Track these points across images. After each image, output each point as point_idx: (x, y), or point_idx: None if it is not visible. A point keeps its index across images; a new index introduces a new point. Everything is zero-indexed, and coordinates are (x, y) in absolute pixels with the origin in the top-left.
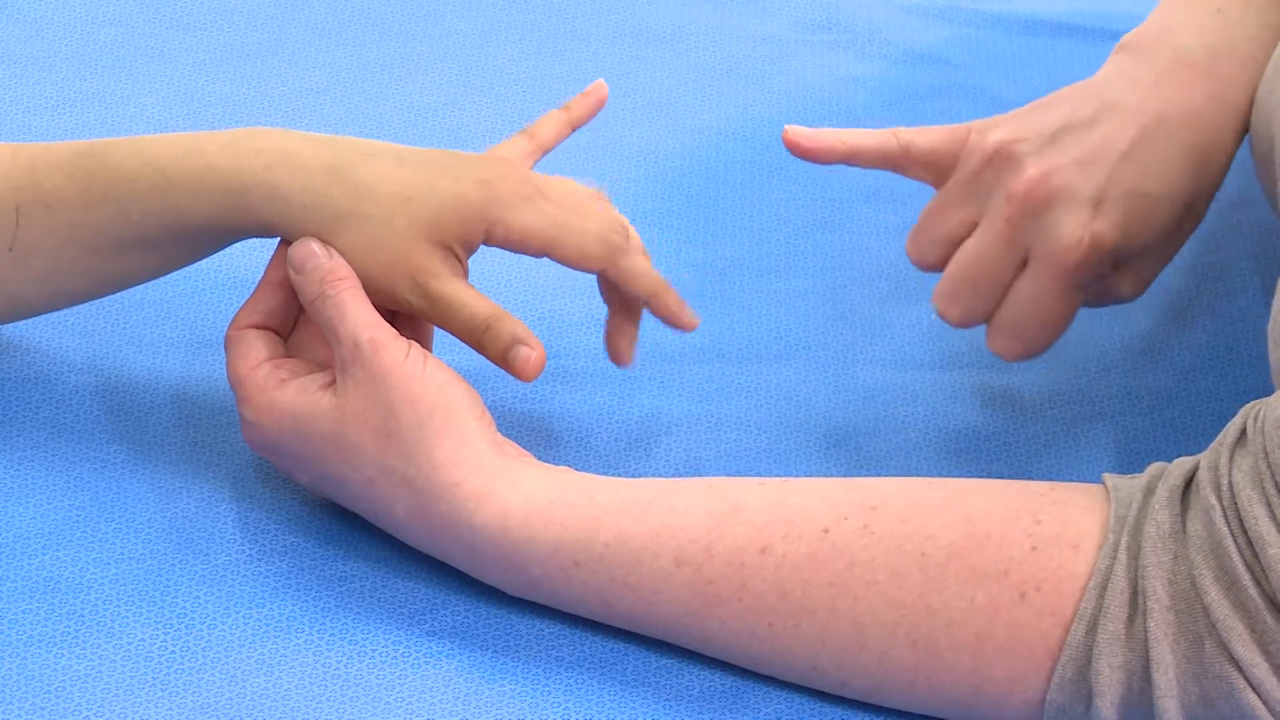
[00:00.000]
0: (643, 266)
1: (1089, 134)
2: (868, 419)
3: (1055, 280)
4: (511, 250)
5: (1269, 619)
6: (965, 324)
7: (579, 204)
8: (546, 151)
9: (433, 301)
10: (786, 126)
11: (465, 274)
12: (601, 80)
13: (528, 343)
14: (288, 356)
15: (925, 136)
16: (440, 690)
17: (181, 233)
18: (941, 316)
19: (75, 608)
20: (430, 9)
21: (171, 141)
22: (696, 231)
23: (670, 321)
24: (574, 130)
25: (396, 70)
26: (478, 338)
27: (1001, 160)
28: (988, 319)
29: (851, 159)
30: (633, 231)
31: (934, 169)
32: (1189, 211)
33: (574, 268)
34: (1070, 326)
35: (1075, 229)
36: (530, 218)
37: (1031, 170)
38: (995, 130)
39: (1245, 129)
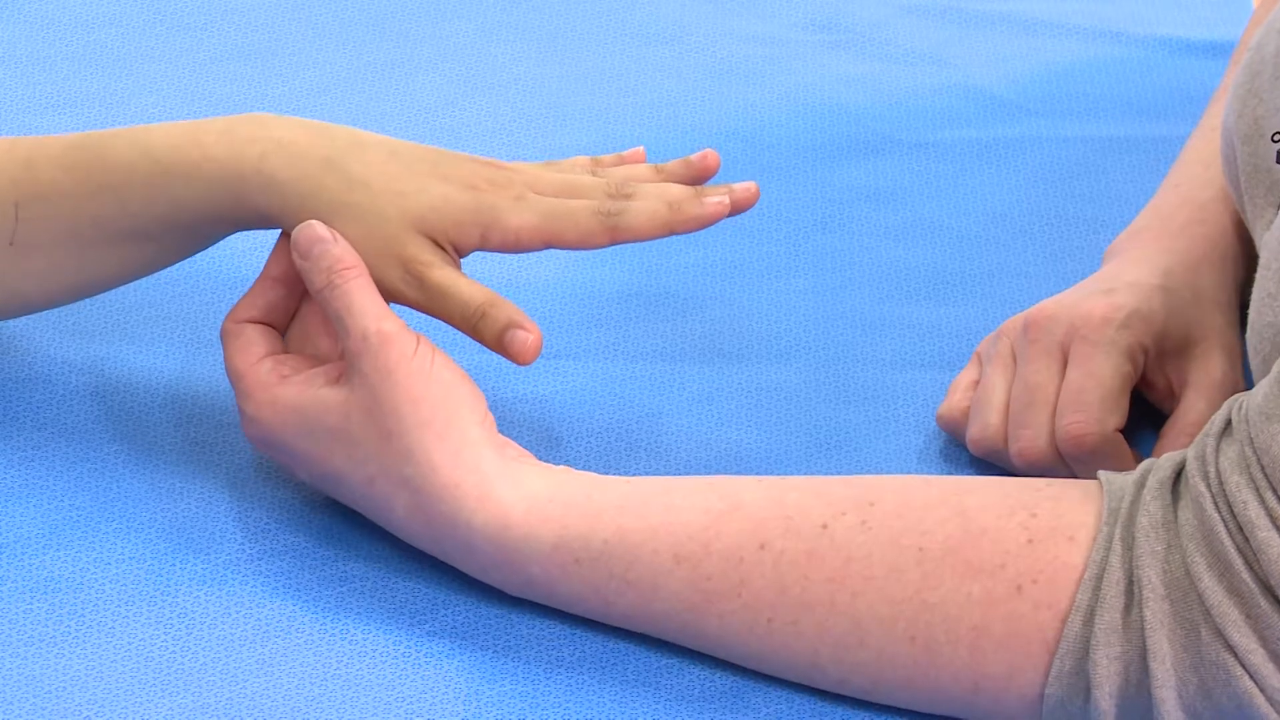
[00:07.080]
0: (642, 221)
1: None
2: (868, 419)
3: (1094, 343)
4: (510, 252)
5: (1263, 603)
6: (1040, 444)
7: (564, 185)
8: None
9: (426, 289)
10: None
11: (458, 266)
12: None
13: (523, 326)
14: (286, 352)
15: None
16: (440, 690)
17: (180, 223)
18: (1023, 453)
19: (75, 608)
20: (430, 9)
21: (168, 131)
22: (696, 232)
23: (700, 223)
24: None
25: (396, 70)
26: (473, 324)
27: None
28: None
29: None
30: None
31: None
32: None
33: (579, 249)
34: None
35: (1096, 300)
36: (525, 217)
37: (1028, 313)
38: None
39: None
